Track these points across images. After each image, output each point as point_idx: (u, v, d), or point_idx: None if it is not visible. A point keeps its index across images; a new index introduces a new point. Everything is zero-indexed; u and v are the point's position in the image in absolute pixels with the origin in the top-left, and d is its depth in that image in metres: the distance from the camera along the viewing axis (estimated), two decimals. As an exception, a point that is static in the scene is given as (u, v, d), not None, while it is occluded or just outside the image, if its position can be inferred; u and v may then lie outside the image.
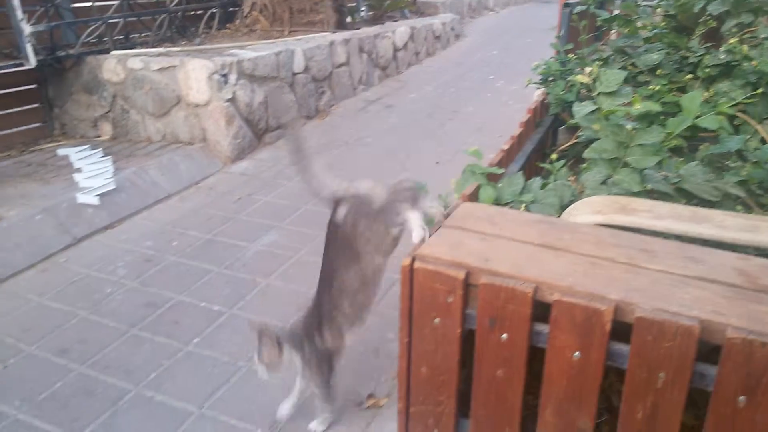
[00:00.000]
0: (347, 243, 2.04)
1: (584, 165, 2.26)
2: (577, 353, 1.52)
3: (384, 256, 2.03)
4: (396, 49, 8.14)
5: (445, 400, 1.78)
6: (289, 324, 2.19)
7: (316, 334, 2.10)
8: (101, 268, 3.57)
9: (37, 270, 3.58)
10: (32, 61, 4.90)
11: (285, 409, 2.38)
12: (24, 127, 5.52)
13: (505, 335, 1.60)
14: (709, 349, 1.47)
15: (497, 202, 2.08)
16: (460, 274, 1.59)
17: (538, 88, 3.55)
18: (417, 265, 1.64)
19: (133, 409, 2.49)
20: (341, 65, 6.75)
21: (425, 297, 1.66)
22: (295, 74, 5.90)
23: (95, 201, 4.08)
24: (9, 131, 5.35)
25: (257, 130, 5.42)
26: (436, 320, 1.67)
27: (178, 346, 2.86)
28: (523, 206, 2.02)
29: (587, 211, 1.88)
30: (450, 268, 1.61)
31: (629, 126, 2.06)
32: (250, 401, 2.51)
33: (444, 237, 1.76)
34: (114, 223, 4.09)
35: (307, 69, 6.08)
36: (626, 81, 2.40)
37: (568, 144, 3.08)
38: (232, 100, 5.07)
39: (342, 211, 2.07)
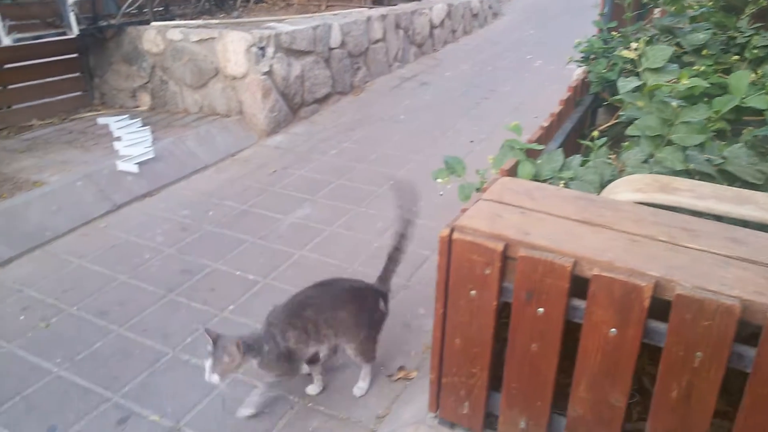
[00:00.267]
0: (362, 312, 2.31)
1: (625, 144, 2.23)
2: (613, 329, 1.52)
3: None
4: (433, 26, 8.07)
5: (478, 372, 1.79)
6: (248, 331, 2.27)
7: (278, 333, 2.19)
8: (140, 234, 3.65)
9: (78, 234, 3.68)
10: (75, 30, 4.98)
11: (245, 411, 2.33)
12: (65, 96, 5.63)
13: (541, 309, 1.60)
14: (748, 334, 1.46)
15: (536, 178, 2.07)
16: (499, 246, 1.59)
17: (579, 66, 3.49)
18: (455, 236, 1.65)
19: (169, 371, 2.56)
20: (377, 41, 6.73)
21: (462, 268, 1.67)
22: (331, 49, 5.90)
23: (135, 169, 4.16)
24: (51, 99, 5.47)
25: (293, 104, 5.45)
26: (473, 292, 1.68)
27: (213, 312, 2.92)
28: (562, 183, 2.00)
29: (628, 189, 1.86)
30: (488, 240, 1.61)
31: (674, 103, 2.03)
32: (283, 368, 2.56)
33: (482, 210, 1.76)
34: (152, 192, 4.17)
35: (343, 44, 6.07)
36: (671, 60, 2.35)
37: (608, 124, 3.04)
38: (269, 74, 5.10)
39: (383, 304, 2.39)
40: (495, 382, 1.85)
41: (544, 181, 2.07)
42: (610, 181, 2.01)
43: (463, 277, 1.68)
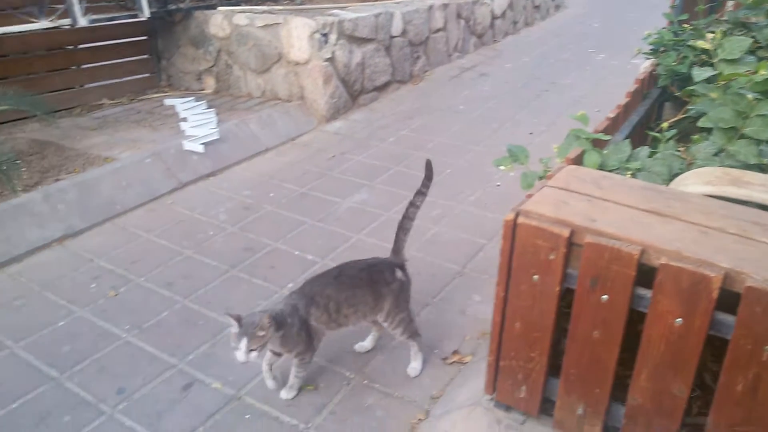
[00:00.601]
0: (380, 285, 2.32)
1: (695, 137, 2.20)
2: (679, 319, 1.52)
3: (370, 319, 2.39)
4: (494, 17, 8.00)
5: (536, 356, 1.81)
6: (266, 307, 2.26)
7: (302, 308, 2.21)
8: (204, 212, 3.78)
9: (146, 209, 3.83)
10: (146, 13, 5.15)
11: (288, 394, 2.38)
12: (134, 77, 5.85)
13: (605, 296, 1.60)
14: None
15: (602, 168, 2.06)
16: (564, 232, 1.60)
17: (647, 59, 3.43)
18: (520, 220, 1.67)
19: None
20: (438, 30, 6.72)
21: (526, 253, 1.69)
22: (392, 37, 5.93)
23: (200, 149, 4.30)
24: (120, 80, 5.68)
25: (352, 91, 5.51)
26: (535, 277, 1.70)
27: (273, 289, 3.01)
28: (629, 173, 1.99)
29: (697, 182, 1.84)
30: (554, 226, 1.62)
31: (750, 95, 1.98)
32: (338, 344, 2.63)
33: (548, 196, 1.77)
34: (216, 171, 4.30)
35: (404, 32, 6.09)
36: (748, 52, 2.29)
37: (676, 118, 2.98)
38: (331, 60, 5.17)
39: (400, 273, 2.40)
40: (552, 368, 1.87)
41: (610, 171, 2.06)
42: (678, 174, 1.99)
43: (526, 261, 1.70)
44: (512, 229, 1.69)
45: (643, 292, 1.58)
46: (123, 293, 3.02)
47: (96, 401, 2.36)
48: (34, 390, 2.41)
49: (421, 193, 2.48)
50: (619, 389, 1.80)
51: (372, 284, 2.30)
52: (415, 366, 2.48)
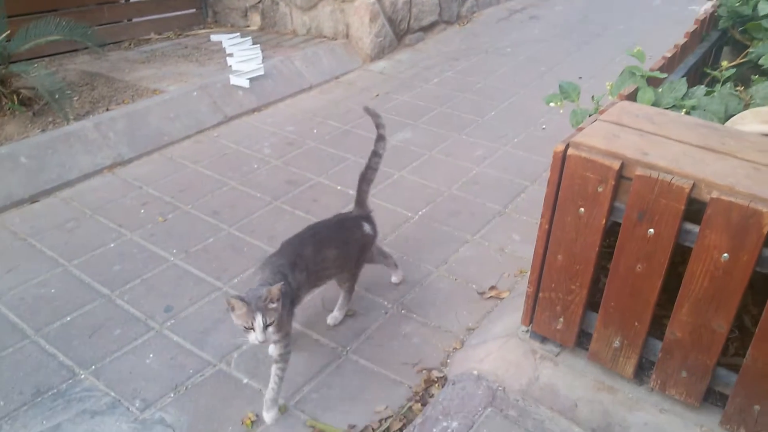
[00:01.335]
0: (351, 242, 2.31)
1: (755, 77, 2.13)
2: (725, 255, 1.51)
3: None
4: (546, -41, 7.71)
5: (576, 289, 1.82)
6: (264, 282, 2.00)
7: (290, 275, 2.06)
8: (249, 145, 3.83)
9: (192, 141, 3.90)
10: (194, -53, 5.12)
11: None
12: (180, 12, 5.85)
13: (651, 230, 1.60)
14: None
15: (656, 105, 2.01)
16: (615, 164, 1.59)
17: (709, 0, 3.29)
18: (570, 151, 1.66)
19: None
20: (488, -29, 6.53)
21: (574, 185, 1.68)
22: (441, -24, 5.79)
23: (246, 84, 4.32)
24: (167, 15, 5.70)
25: (398, 31, 5.43)
26: (581, 209, 1.70)
27: (315, 221, 3.06)
28: (683, 111, 1.95)
29: (755, 120, 1.79)
30: (605, 158, 1.61)
31: (818, 34, 1.90)
32: (378, 276, 2.67)
33: (599, 129, 1.74)
34: (261, 107, 4.33)
35: (453, -28, 5.94)
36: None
37: (735, 62, 2.87)
38: (378, -2, 5.09)
39: (368, 227, 2.39)
40: (589, 303, 1.88)
41: (665, 109, 2.02)
42: (735, 113, 1.94)
43: (573, 193, 1.69)
44: (561, 160, 1.68)
45: (690, 227, 1.57)
46: (170, 219, 3.11)
47: (145, 318, 2.47)
48: (86, 305, 2.53)
49: (381, 138, 2.38)
50: (655, 328, 1.81)
51: (345, 240, 2.28)
52: (336, 316, 2.43)
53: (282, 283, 1.87)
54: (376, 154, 2.39)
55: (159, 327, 2.42)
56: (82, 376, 2.20)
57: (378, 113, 2.46)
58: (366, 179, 2.41)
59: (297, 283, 2.08)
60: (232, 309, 1.83)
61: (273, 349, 2.13)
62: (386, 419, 2.03)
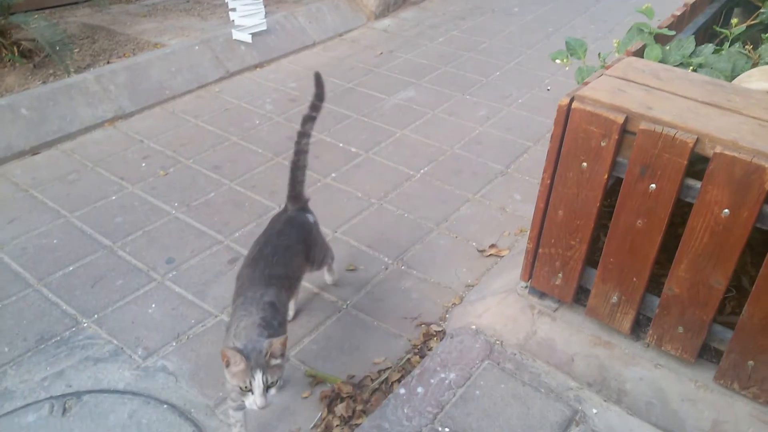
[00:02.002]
0: (307, 239, 2.06)
1: (765, 35, 2.10)
2: (726, 210, 1.51)
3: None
4: None
5: (576, 244, 1.83)
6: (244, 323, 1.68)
7: (276, 300, 1.77)
8: (250, 101, 3.80)
9: (194, 96, 3.87)
10: None
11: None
12: (183, -34, 5.74)
13: (653, 185, 1.59)
14: None
15: (663, 62, 1.99)
16: (619, 118, 1.58)
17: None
18: (575, 105, 1.64)
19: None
20: (496, -71, 6.38)
21: (577, 139, 1.67)
22: (448, -67, 5.67)
23: (248, 39, 4.27)
24: (169, -32, 5.59)
25: (403, -12, 5.34)
26: (584, 164, 1.69)
27: (317, 178, 3.06)
28: (691, 68, 1.93)
29: (763, 78, 1.77)
30: (609, 111, 1.60)
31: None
32: (379, 232, 2.69)
33: (605, 83, 1.73)
34: (263, 63, 4.29)
35: (460, -72, 5.80)
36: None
37: (745, 24, 2.83)
38: (383, -47, 4.99)
39: (312, 217, 2.15)
40: (588, 260, 1.89)
41: (672, 66, 2.00)
42: (742, 72, 1.91)
43: (576, 148, 1.69)
44: (565, 114, 1.67)
45: (692, 182, 1.57)
46: (172, 173, 3.11)
47: (147, 269, 2.49)
48: (88, 256, 2.55)
49: (311, 118, 2.08)
50: (653, 286, 1.82)
51: (302, 241, 2.01)
52: (329, 277, 2.38)
53: (285, 336, 1.54)
54: (305, 135, 2.07)
55: (161, 278, 2.44)
56: (85, 325, 2.23)
57: (322, 90, 2.10)
58: (299, 166, 2.09)
59: (283, 305, 1.80)
60: (227, 365, 1.51)
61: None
62: (385, 370, 2.05)
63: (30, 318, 2.24)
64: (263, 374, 1.47)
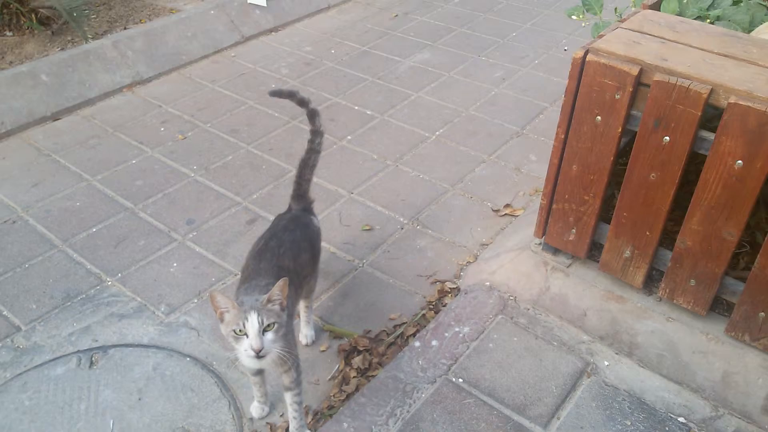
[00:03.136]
0: (313, 239, 1.95)
1: (785, -13, 2.06)
2: (739, 161, 1.51)
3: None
4: None
5: (590, 199, 1.84)
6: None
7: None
8: (266, 65, 3.81)
9: (210, 61, 3.88)
10: None
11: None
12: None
13: (667, 138, 1.60)
14: None
15: (680, 15, 1.97)
16: (634, 70, 1.57)
17: None
18: (590, 57, 1.64)
19: (292, 185, 2.76)
20: None
21: (591, 92, 1.67)
22: None
23: (263, 3, 4.26)
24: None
25: (419, -50, 5.26)
26: (598, 118, 1.69)
27: (332, 141, 3.08)
28: (708, 21, 1.90)
29: (781, 29, 1.75)
30: (624, 63, 1.59)
31: None
32: (394, 193, 2.72)
33: (620, 36, 1.72)
34: (278, 27, 4.28)
35: None
36: None
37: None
38: None
39: (316, 221, 2.03)
40: (601, 216, 1.90)
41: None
42: (761, 24, 1.89)
43: (590, 101, 1.69)
44: (580, 67, 1.67)
45: (705, 134, 1.57)
46: (190, 137, 3.14)
47: (168, 230, 2.54)
48: (110, 217, 2.61)
49: (314, 113, 2.01)
50: (666, 240, 1.83)
51: (307, 237, 1.91)
52: (308, 333, 2.05)
53: (285, 279, 1.47)
54: (317, 134, 1.99)
55: (181, 238, 2.50)
56: (109, 283, 2.29)
57: (291, 92, 1.99)
58: (309, 165, 1.99)
59: (290, 301, 1.64)
60: (216, 309, 1.47)
61: (263, 411, 1.79)
62: (400, 325, 2.10)
63: (56, 277, 2.31)
64: (258, 315, 1.41)
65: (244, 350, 1.44)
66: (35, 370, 1.97)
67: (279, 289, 1.46)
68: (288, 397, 1.68)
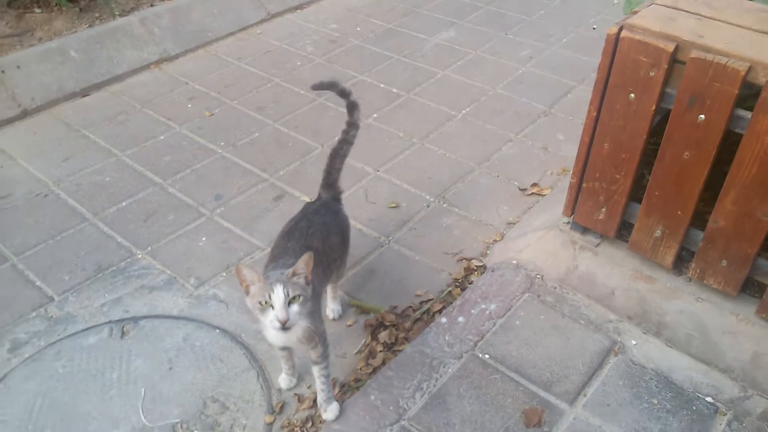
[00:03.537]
0: (343, 226, 1.96)
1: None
2: (777, 141, 1.49)
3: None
4: None
5: (621, 178, 1.83)
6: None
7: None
8: (292, 43, 3.80)
9: (236, 38, 3.89)
10: None
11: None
12: None
13: (702, 116, 1.58)
14: None
15: (716, -8, 1.93)
16: (669, 47, 1.55)
17: None
18: (624, 33, 1.62)
19: (318, 162, 2.77)
20: None
21: (626, 69, 1.65)
22: None
23: (288, -20, 4.25)
24: None
25: (445, -74, 5.19)
26: (632, 95, 1.68)
27: (358, 118, 3.08)
28: (745, -3, 1.87)
29: (823, 6, 1.71)
30: (659, 40, 1.57)
31: None
32: (420, 171, 2.72)
33: (655, 12, 1.69)
34: (303, 4, 4.26)
35: None
36: None
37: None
38: None
39: (344, 209, 2.02)
40: (631, 195, 1.89)
41: (725, -4, 1.94)
42: (801, 0, 1.85)
43: (624, 78, 1.67)
44: (614, 43, 1.65)
45: (742, 113, 1.54)
46: (217, 114, 3.16)
47: (196, 205, 2.57)
48: (140, 192, 2.64)
49: (353, 105, 1.98)
50: (697, 221, 1.81)
51: (337, 223, 1.92)
52: (335, 308, 2.09)
53: (310, 253, 1.48)
54: (353, 126, 1.97)
55: (210, 213, 2.52)
56: (140, 256, 2.33)
57: (332, 83, 1.98)
58: (340, 155, 1.97)
59: (317, 281, 1.65)
60: (242, 282, 1.48)
61: (290, 382, 1.85)
62: (426, 302, 2.11)
63: (87, 249, 2.36)
64: (284, 287, 1.43)
65: (270, 322, 1.45)
66: (68, 339, 2.02)
67: (304, 263, 1.47)
68: (316, 370, 1.70)
